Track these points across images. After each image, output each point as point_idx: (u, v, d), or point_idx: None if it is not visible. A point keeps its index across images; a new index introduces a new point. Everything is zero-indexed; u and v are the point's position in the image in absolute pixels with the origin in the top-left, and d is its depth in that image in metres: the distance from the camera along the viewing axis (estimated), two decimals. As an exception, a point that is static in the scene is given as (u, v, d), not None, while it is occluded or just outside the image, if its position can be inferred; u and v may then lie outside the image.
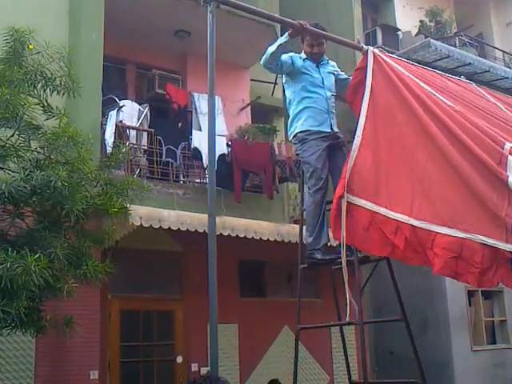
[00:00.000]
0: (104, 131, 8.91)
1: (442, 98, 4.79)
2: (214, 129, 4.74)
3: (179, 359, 9.14)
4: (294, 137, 5.80)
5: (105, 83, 9.15)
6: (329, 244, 5.63)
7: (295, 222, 10.11)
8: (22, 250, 4.07)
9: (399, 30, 14.38)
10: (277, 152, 10.08)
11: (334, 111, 5.80)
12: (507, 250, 4.06)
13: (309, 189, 5.68)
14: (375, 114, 4.99)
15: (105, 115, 9.09)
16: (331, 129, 5.65)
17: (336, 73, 5.91)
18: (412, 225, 4.50)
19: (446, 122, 4.55)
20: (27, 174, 4.41)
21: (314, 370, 10.21)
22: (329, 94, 5.72)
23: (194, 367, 9.14)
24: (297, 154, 5.93)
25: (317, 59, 5.70)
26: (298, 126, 5.71)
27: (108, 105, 9.28)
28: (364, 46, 5.27)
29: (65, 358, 7.92)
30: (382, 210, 4.75)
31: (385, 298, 10.38)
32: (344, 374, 10.69)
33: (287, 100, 5.83)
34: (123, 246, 7.99)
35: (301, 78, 5.67)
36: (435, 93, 4.84)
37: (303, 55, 5.67)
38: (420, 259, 4.58)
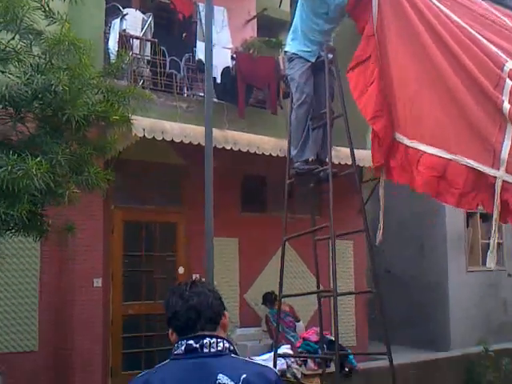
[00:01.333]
0: (107, 40, 8.75)
1: (448, 12, 4.67)
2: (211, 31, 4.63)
3: (181, 270, 9.35)
4: (285, 53, 6.10)
5: (108, -10, 8.91)
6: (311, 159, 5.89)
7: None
8: (24, 154, 4.06)
9: None
10: (282, 67, 9.90)
11: (330, 43, 5.96)
12: (491, 174, 4.12)
13: (293, 104, 5.94)
14: (381, 27, 4.90)
15: (108, 24, 8.89)
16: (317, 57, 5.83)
17: None
18: (405, 144, 4.56)
19: (447, 41, 4.47)
20: (28, 78, 4.35)
21: (311, 283, 10.43)
22: (328, 26, 5.76)
23: (196, 278, 9.36)
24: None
25: None
26: (290, 45, 5.92)
27: (111, 14, 9.06)
28: None
29: (69, 265, 8.11)
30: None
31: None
32: (341, 289, 10.96)
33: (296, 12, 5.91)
34: (126, 157, 8.01)
35: (309, 2, 5.67)
36: (440, 5, 4.71)
37: None
38: (407, 177, 4.69)
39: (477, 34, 4.46)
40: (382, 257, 12.39)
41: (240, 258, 9.93)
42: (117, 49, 8.50)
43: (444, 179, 4.31)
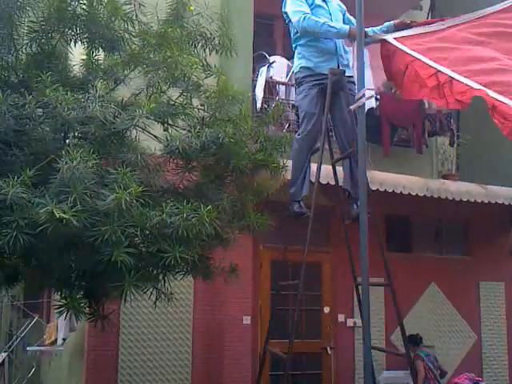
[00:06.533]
0: (254, 87, 9.14)
1: None
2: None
3: (326, 309, 9.41)
4: (295, 78, 5.75)
5: (254, 39, 9.32)
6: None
7: (444, 178, 9.90)
8: (194, 201, 4.37)
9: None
10: (426, 105, 9.83)
11: (345, 50, 5.78)
12: None
13: (297, 134, 5.57)
14: None
15: (255, 71, 9.30)
16: (338, 67, 5.58)
17: (343, 12, 5.82)
18: (451, 77, 4.57)
19: None
20: (197, 131, 4.70)
21: (461, 327, 10.07)
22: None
23: (341, 318, 9.39)
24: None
25: None
26: (296, 66, 5.66)
27: (258, 61, 9.49)
28: None
29: (220, 302, 8.44)
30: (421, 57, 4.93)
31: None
32: (492, 333, 10.45)
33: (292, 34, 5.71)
34: (273, 198, 8.25)
35: (312, 12, 5.51)
36: None
37: None
38: (442, 102, 4.72)
39: None
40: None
41: (386, 300, 9.79)
42: (262, 95, 8.87)
43: None
